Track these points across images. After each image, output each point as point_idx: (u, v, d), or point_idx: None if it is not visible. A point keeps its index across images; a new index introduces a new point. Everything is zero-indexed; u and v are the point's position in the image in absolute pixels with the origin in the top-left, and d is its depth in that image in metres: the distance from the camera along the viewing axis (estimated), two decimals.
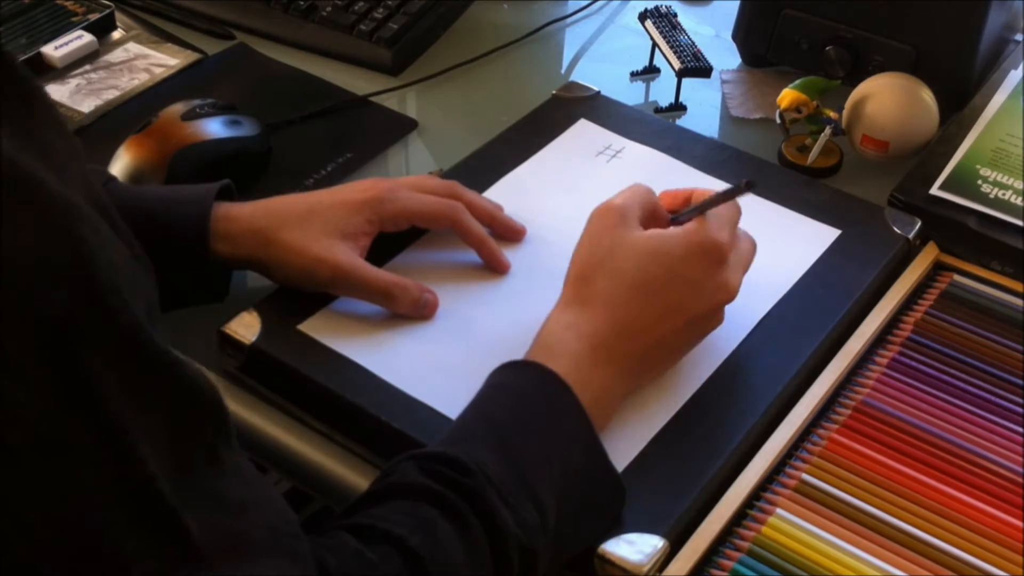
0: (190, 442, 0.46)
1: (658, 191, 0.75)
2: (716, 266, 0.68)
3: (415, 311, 0.74)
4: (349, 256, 0.73)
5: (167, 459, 0.44)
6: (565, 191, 0.86)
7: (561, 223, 0.82)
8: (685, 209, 0.72)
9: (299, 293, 0.75)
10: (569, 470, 0.61)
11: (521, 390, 0.64)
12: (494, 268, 0.78)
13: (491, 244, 0.78)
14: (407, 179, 0.80)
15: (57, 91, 0.98)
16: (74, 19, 1.06)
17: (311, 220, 0.74)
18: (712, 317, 0.70)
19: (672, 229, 0.70)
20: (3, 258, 0.40)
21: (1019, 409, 0.71)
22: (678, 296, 0.67)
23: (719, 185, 0.84)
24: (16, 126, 0.43)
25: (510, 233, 0.81)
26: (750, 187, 0.68)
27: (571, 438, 0.63)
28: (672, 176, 0.87)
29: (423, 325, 0.74)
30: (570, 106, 0.95)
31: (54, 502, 0.42)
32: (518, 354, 0.66)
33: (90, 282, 0.42)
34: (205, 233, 0.73)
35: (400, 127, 0.98)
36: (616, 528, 0.63)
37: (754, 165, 0.90)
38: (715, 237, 0.68)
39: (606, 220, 0.70)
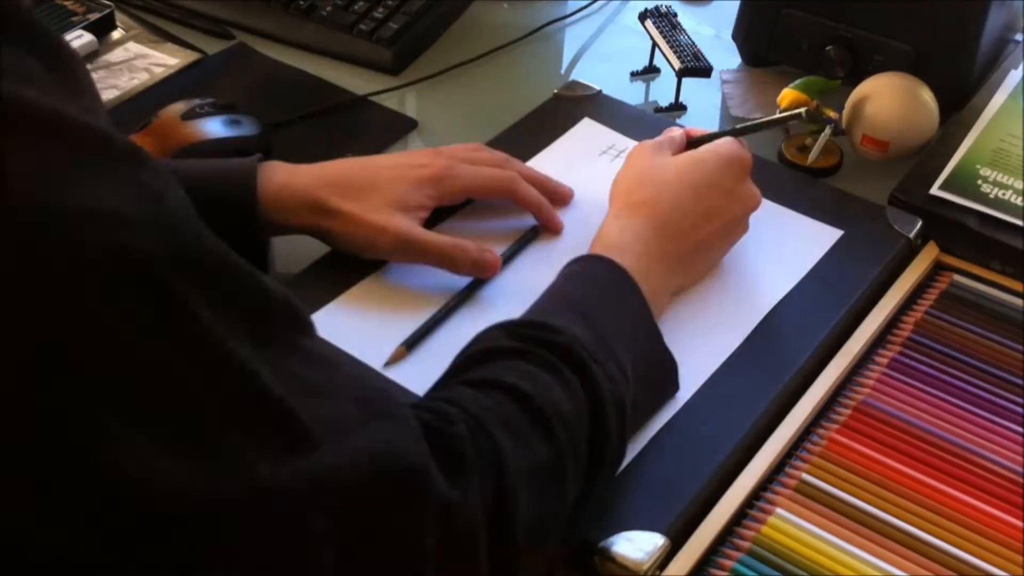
0: (272, 336, 0.48)
1: None
2: (744, 175, 0.77)
3: (475, 271, 0.76)
4: (408, 224, 0.76)
5: (260, 356, 0.46)
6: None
7: (564, 222, 0.82)
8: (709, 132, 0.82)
9: (300, 292, 0.75)
10: (636, 344, 0.67)
11: (591, 275, 0.70)
12: (552, 229, 0.81)
13: (548, 206, 0.82)
14: (459, 149, 0.81)
15: None
16: (74, 19, 1.06)
17: (372, 193, 0.76)
18: (741, 223, 0.78)
19: (702, 147, 0.78)
20: (89, 209, 0.41)
21: (1019, 409, 0.71)
22: (714, 202, 0.75)
23: None
24: (72, 90, 0.45)
25: (559, 197, 0.84)
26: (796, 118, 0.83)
27: (636, 317, 0.69)
28: None
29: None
30: (572, 105, 0.95)
31: (173, 409, 0.43)
32: None
33: (166, 213, 0.44)
34: (253, 207, 0.73)
35: (400, 127, 0.98)
36: (620, 526, 0.63)
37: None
38: (741, 151, 0.78)
39: (642, 151, 0.79)
